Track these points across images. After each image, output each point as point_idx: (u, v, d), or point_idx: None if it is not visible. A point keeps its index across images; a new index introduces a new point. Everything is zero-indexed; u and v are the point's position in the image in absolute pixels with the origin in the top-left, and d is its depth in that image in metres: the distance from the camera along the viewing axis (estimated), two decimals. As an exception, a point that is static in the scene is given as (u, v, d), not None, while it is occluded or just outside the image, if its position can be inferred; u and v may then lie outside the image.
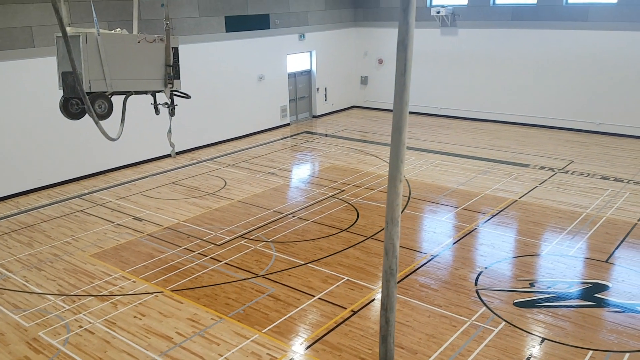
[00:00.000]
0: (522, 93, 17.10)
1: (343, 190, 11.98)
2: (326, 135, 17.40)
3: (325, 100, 19.94)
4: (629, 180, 12.04)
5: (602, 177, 12.31)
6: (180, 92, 5.16)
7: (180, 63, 5.18)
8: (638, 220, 9.92)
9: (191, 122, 14.94)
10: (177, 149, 14.79)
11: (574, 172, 12.78)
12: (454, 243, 9.33)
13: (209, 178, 13.19)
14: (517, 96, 17.21)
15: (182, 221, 10.57)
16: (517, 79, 17.08)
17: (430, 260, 8.71)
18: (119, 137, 4.78)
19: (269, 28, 17.04)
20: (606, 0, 15.13)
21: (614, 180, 12.11)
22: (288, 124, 18.57)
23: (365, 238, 9.56)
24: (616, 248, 8.89)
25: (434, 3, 18.31)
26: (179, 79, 4.99)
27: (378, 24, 19.79)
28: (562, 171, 12.85)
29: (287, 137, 17.18)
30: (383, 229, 9.80)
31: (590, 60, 15.61)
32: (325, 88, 19.77)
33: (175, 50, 4.89)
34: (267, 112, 17.69)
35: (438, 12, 17.60)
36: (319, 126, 18.60)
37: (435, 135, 16.62)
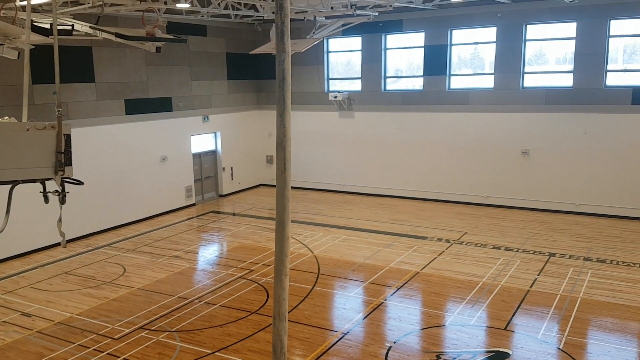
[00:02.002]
0: (415, 170, 18.22)
1: (252, 270, 11.77)
2: (234, 214, 17.24)
3: (232, 179, 19.94)
4: (519, 249, 12.96)
5: (494, 247, 13.16)
6: (72, 179, 4.92)
7: (78, 146, 4.99)
8: (530, 287, 10.62)
9: (87, 206, 14.20)
10: (72, 236, 13.93)
11: (468, 242, 13.56)
12: (363, 318, 9.38)
13: (106, 265, 12.42)
14: (411, 173, 18.29)
15: (76, 315, 9.75)
16: (409, 157, 18.23)
17: (341, 338, 8.65)
18: (3, 230, 4.43)
19: (171, 110, 17.05)
20: (483, 86, 16.93)
21: (505, 249, 12.98)
22: (194, 204, 18.22)
23: (275, 320, 9.32)
24: (513, 315, 9.38)
25: (331, 89, 19.46)
26: (70, 165, 4.77)
27: (280, 106, 20.47)
28: (457, 242, 13.59)
29: (192, 218, 16.79)
30: (295, 307, 9.69)
31: (473, 138, 17.11)
32: (232, 167, 19.83)
33: (68, 136, 4.71)
34: (171, 192, 17.29)
35: (335, 97, 18.68)
36: (226, 205, 18.43)
37: (340, 210, 17.05)
